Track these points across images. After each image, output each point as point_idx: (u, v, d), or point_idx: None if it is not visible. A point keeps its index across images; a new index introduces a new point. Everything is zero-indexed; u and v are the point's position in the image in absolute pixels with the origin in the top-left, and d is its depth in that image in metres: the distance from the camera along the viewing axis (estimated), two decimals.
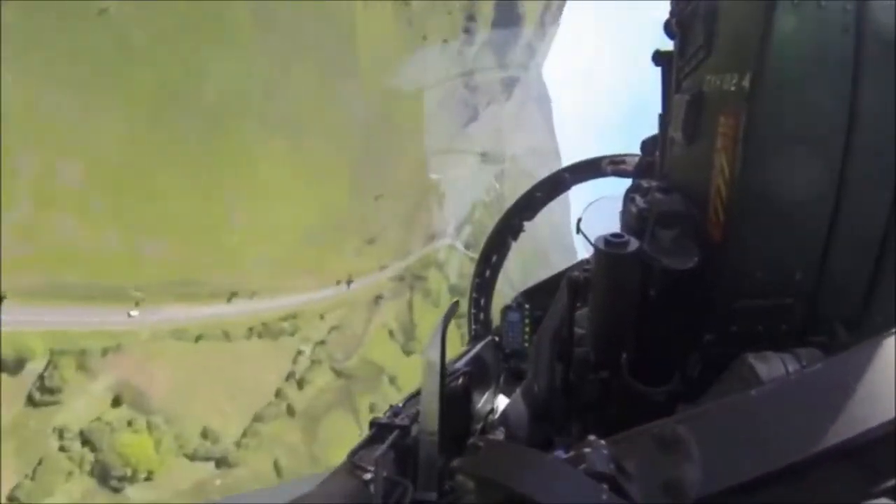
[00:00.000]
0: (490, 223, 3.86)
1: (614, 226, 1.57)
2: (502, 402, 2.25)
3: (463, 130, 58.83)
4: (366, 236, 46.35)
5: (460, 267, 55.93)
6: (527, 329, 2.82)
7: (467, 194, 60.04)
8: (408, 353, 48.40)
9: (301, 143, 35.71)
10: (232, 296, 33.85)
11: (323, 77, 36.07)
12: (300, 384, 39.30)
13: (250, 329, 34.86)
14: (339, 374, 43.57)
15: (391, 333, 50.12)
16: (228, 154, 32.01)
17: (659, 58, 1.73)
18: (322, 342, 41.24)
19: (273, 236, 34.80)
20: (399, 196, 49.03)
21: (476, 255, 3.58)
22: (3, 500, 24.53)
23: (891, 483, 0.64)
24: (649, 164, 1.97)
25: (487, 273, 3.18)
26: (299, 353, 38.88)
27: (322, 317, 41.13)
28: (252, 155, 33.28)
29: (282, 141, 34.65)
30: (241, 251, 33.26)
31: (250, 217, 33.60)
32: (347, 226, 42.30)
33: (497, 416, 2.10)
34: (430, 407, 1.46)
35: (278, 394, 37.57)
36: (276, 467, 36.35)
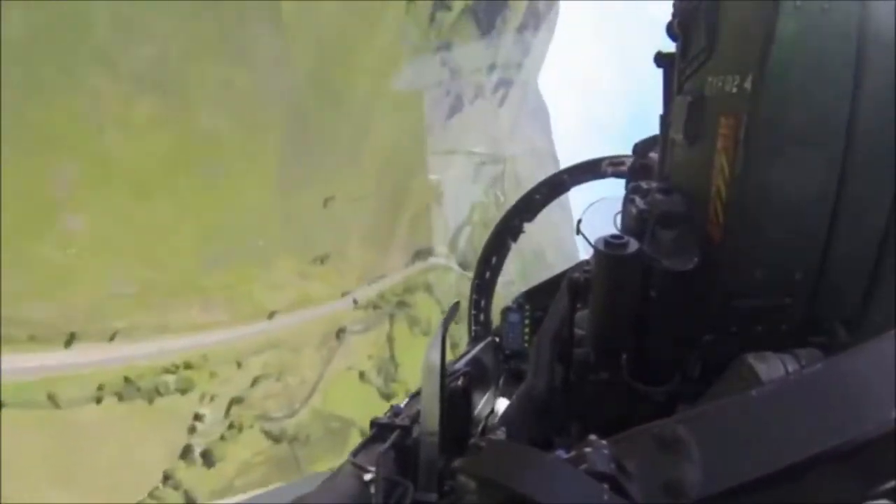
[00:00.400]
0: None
1: (614, 227, 1.61)
2: (502, 402, 2.33)
3: (445, 124, 47.90)
4: (313, 252, 35.00)
5: (457, 288, 43.42)
6: (527, 330, 2.92)
7: (462, 200, 48.62)
8: (388, 396, 36.61)
9: (185, 109, 24.50)
10: (70, 338, 22.24)
11: (222, 18, 25.12)
12: (207, 461, 27.39)
13: (100, 388, 22.99)
14: (276, 438, 31.78)
15: (362, 375, 38.30)
16: (57, 117, 20.87)
17: (661, 59, 1.77)
18: (239, 399, 29.30)
19: (144, 247, 23.40)
20: (361, 200, 37.83)
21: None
22: None
23: (891, 484, 0.65)
24: (642, 167, 2.07)
25: (487, 274, 3.30)
26: (197, 417, 26.92)
27: (240, 364, 29.31)
28: (99, 120, 22.06)
29: (150, 102, 23.44)
30: (84, 270, 21.83)
31: (101, 217, 22.23)
32: (280, 237, 30.84)
33: (497, 416, 2.20)
34: (431, 407, 1.49)
35: (167, 479, 25.60)
36: None
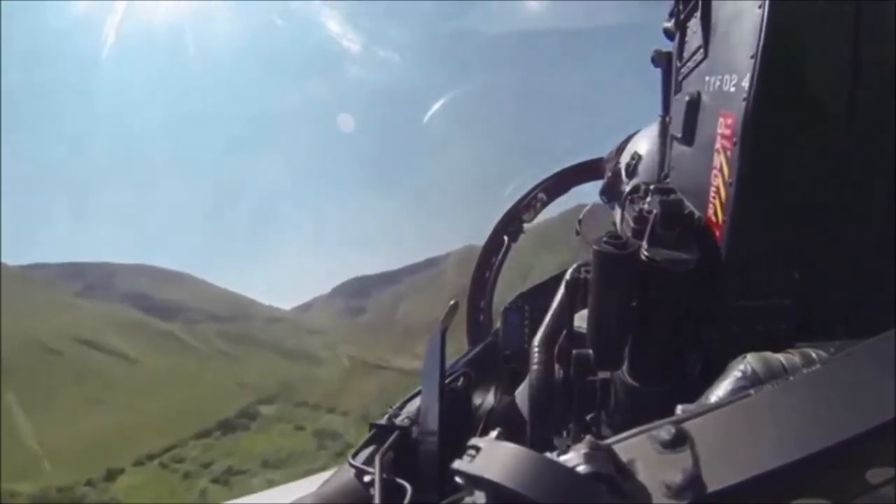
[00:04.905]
0: None
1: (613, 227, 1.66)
2: (502, 402, 2.27)
3: None
4: None
5: None
6: (527, 330, 2.88)
7: None
8: None
9: None
10: None
11: None
12: None
13: None
14: None
15: None
16: None
17: (658, 58, 1.77)
18: None
19: None
20: None
21: None
22: None
23: (890, 484, 0.65)
24: (609, 183, 2.06)
25: (487, 275, 3.26)
26: None
27: None
28: None
29: None
30: None
31: None
32: None
33: (496, 416, 2.16)
34: (431, 408, 1.48)
35: None
36: None
